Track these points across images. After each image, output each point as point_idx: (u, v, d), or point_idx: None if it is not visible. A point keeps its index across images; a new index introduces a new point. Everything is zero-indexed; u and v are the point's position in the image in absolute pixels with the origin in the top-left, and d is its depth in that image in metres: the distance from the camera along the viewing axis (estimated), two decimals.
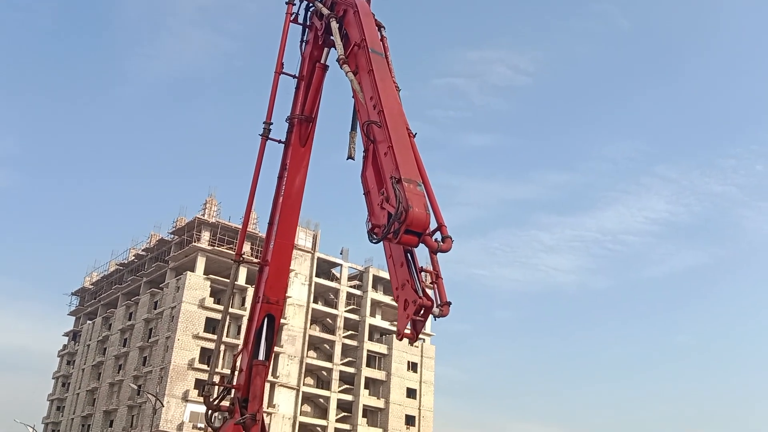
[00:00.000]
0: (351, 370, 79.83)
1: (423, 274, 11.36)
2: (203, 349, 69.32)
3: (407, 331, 10.90)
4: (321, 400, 78.01)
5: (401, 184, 10.48)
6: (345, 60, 13.60)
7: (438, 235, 10.82)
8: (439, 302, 10.83)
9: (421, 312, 10.59)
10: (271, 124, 16.67)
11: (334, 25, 14.66)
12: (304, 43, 17.30)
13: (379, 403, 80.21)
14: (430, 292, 11.11)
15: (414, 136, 12.56)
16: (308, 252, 79.71)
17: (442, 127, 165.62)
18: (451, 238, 10.80)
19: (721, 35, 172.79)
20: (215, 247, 72.83)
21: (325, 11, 15.35)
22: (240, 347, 16.25)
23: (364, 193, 12.61)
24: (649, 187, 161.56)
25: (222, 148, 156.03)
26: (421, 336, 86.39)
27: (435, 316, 10.77)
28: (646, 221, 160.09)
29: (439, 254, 10.87)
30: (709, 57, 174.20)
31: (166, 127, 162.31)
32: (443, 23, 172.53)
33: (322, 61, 16.69)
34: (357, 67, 13.40)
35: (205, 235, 73.62)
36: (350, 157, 14.38)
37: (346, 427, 77.63)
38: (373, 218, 11.65)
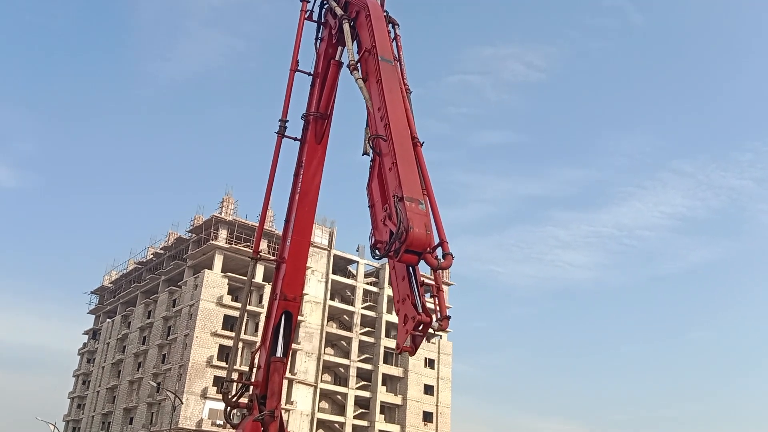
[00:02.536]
0: (368, 366, 79.92)
1: (425, 286, 11.57)
2: (221, 347, 69.68)
3: (406, 345, 11.10)
4: (339, 397, 78.18)
5: (403, 203, 10.63)
6: (356, 66, 13.74)
7: (440, 251, 10.98)
8: (438, 316, 10.97)
9: (420, 327, 10.75)
10: (287, 121, 16.69)
11: (347, 27, 14.70)
12: (318, 41, 17.31)
13: (397, 400, 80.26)
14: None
15: (422, 145, 12.65)
16: (325, 249, 79.84)
17: (456, 124, 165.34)
18: (451, 255, 11.03)
19: (736, 28, 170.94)
20: (232, 245, 73.16)
21: (339, 11, 15.36)
22: (258, 344, 16.30)
23: (369, 206, 12.73)
24: (666, 182, 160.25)
25: (238, 146, 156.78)
26: (438, 333, 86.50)
27: (434, 330, 10.98)
28: (662, 216, 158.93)
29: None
30: (724, 50, 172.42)
31: (183, 128, 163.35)
32: (455, 20, 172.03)
33: (337, 58, 16.68)
34: (367, 73, 13.51)
35: (223, 233, 73.97)
36: (366, 153, 14.39)
37: (364, 423, 77.74)
38: (376, 233, 11.86)
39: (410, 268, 11.38)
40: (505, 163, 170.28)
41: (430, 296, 11.41)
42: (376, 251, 11.63)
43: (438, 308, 11.08)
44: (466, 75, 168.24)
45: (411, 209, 10.55)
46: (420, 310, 10.86)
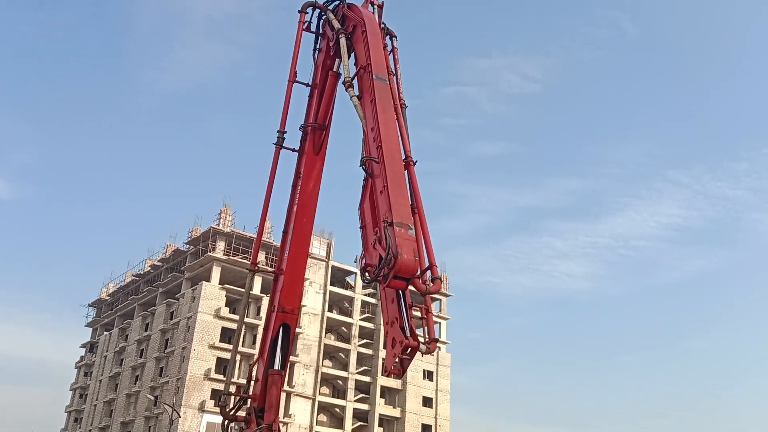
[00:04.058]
0: (366, 379, 79.60)
1: (413, 307, 11.72)
2: (219, 359, 69.39)
3: (395, 367, 11.25)
4: (337, 410, 77.80)
5: (392, 229, 10.70)
6: (351, 83, 13.82)
7: (430, 275, 11.21)
8: (426, 339, 11.17)
9: (408, 351, 10.93)
10: (285, 132, 16.67)
11: (343, 41, 14.78)
12: (316, 52, 17.31)
13: (395, 412, 79.88)
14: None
15: (414, 164, 12.76)
16: (322, 260, 79.69)
17: (453, 135, 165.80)
18: (440, 279, 11.37)
19: (729, 38, 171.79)
20: (230, 257, 72.99)
21: (336, 24, 15.39)
22: (256, 357, 16.21)
23: (360, 227, 12.79)
24: (661, 192, 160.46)
25: (236, 157, 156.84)
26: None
27: (422, 353, 11.19)
28: (658, 226, 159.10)
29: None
30: (718, 61, 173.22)
31: (181, 138, 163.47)
32: (451, 32, 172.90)
33: (335, 70, 16.67)
34: (362, 91, 13.59)
35: (220, 245, 73.83)
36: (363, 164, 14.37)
37: None
38: (366, 255, 12.00)
39: (399, 291, 11.47)
40: (502, 174, 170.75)
41: (420, 317, 11.54)
42: (366, 275, 11.73)
43: (426, 331, 11.28)
44: (462, 86, 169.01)
45: (400, 235, 10.62)
46: (408, 334, 11.00)
